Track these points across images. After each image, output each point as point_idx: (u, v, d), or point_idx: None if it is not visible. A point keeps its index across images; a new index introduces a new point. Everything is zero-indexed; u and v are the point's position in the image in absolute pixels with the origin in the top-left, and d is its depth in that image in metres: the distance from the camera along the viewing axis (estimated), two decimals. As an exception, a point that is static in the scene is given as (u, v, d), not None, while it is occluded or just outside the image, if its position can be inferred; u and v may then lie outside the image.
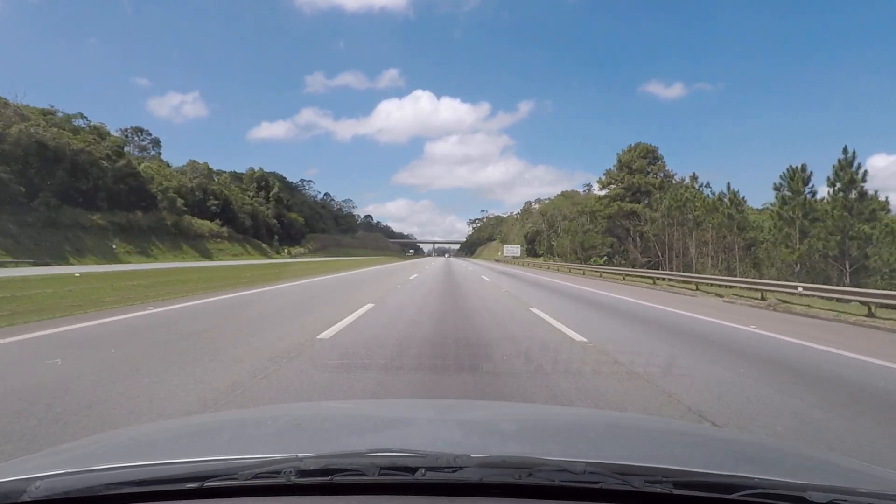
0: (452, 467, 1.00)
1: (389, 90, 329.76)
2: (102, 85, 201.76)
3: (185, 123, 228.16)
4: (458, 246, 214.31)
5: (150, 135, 75.91)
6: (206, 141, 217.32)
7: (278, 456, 1.05)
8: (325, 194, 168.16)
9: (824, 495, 0.95)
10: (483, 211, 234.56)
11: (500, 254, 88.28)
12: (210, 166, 78.69)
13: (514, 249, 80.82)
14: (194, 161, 74.29)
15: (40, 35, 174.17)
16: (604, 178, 53.21)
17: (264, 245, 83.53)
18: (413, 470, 1.00)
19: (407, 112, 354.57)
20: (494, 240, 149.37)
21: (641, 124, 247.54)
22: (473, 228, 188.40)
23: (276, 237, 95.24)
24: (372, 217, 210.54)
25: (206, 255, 58.31)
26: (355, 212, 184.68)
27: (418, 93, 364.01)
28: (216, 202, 69.99)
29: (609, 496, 0.99)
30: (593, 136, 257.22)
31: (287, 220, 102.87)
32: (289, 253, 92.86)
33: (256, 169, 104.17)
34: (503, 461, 1.03)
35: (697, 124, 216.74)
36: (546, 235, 77.39)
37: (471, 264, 56.26)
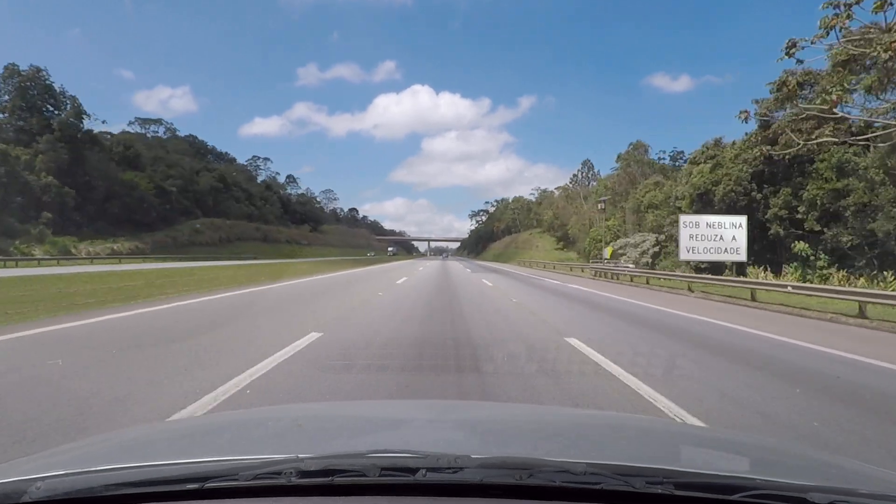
0: (453, 468, 0.99)
1: (386, 84, 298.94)
2: (86, 76, 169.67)
3: (176, 119, 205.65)
4: (458, 245, 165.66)
5: None
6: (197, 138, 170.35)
7: (279, 457, 1.04)
8: (289, 177, 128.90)
9: (825, 496, 0.93)
10: (487, 202, 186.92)
11: (609, 252, 31.86)
12: None
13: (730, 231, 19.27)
14: None
15: (26, 23, 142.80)
16: None
17: None
18: (414, 471, 0.99)
19: (404, 107, 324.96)
20: (521, 231, 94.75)
21: (644, 123, 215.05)
22: (477, 222, 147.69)
23: (48, 214, 39.41)
24: (357, 211, 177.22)
25: None
26: (336, 205, 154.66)
27: (416, 87, 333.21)
28: None
29: (610, 497, 0.97)
30: (595, 134, 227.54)
31: (102, 186, 46.97)
32: (77, 252, 37.44)
33: (26, 69, 48.47)
34: (504, 462, 1.02)
35: (704, 120, 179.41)
36: None
37: (534, 291, 13.93)
